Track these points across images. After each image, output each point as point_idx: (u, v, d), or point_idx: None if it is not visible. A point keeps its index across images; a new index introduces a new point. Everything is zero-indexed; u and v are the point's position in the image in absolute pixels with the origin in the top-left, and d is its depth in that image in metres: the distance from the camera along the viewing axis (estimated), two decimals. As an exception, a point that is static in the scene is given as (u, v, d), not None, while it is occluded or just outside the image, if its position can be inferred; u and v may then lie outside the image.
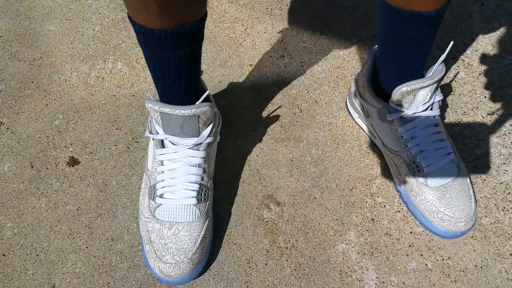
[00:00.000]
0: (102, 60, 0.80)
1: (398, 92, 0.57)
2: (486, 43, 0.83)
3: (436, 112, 0.61)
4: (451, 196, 0.61)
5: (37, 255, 0.62)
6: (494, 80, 0.79)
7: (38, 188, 0.67)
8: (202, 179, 0.60)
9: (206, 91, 0.63)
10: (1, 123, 0.73)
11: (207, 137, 0.59)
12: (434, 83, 0.56)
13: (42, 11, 0.87)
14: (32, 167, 0.69)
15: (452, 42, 0.57)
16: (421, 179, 0.61)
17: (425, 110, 0.61)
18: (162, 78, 0.55)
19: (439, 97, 0.61)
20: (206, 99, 0.62)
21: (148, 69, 0.79)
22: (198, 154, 0.59)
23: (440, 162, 0.61)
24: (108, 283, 0.60)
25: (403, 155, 0.63)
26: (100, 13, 0.87)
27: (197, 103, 0.55)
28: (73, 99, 0.75)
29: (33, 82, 0.77)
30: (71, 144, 0.71)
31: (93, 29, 0.84)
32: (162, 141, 0.59)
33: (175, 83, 0.55)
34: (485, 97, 0.77)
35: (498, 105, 0.76)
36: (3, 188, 0.67)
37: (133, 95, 0.76)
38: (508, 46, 0.83)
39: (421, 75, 0.59)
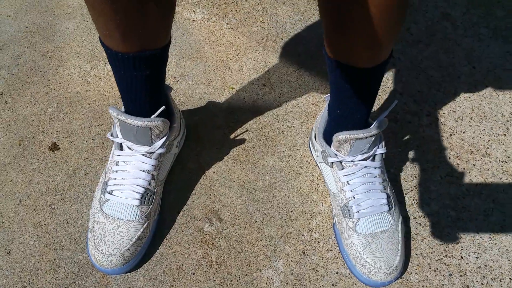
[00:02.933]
0: (104, 62, 0.89)
1: (335, 139, 0.61)
2: (467, 106, 0.85)
3: (377, 164, 0.65)
4: (376, 245, 0.63)
5: (2, 223, 0.70)
6: (464, 143, 0.80)
7: (19, 164, 0.76)
8: (149, 184, 0.66)
9: (171, 107, 0.70)
10: (6, 102, 0.83)
11: (159, 148, 0.65)
12: (370, 136, 0.60)
13: (66, 10, 0.97)
14: (19, 145, 0.78)
15: (396, 101, 0.61)
16: (350, 224, 0.65)
17: (365, 160, 0.64)
18: (124, 92, 0.62)
19: (381, 150, 0.64)
20: (170, 114, 0.69)
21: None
22: (149, 162, 0.65)
23: (370, 212, 0.64)
24: (54, 260, 0.67)
25: (339, 198, 0.66)
26: (115, 19, 0.96)
27: (152, 117, 0.62)
28: (70, 92, 0.84)
29: (41, 71, 0.87)
30: (57, 131, 0.80)
31: (105, 33, 0.94)
32: (121, 144, 0.66)
33: (136, 98, 0.62)
34: (449, 158, 0.78)
35: (460, 169, 0.77)
36: (-9, 159, 0.77)
37: (120, 97, 0.84)
38: (488, 113, 0.84)
39: (363, 126, 0.62)
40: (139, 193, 0.65)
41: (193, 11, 0.98)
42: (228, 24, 0.96)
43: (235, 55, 0.91)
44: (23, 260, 0.67)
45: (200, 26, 0.95)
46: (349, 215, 0.65)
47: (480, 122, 0.82)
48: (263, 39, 0.93)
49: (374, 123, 0.60)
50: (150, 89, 0.61)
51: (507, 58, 0.92)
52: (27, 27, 0.94)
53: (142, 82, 0.59)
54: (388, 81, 0.88)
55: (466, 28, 0.97)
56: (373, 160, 0.65)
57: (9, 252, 0.68)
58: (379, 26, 0.49)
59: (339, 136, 0.60)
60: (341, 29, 0.50)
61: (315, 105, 0.84)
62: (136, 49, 0.55)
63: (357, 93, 0.58)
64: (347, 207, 0.65)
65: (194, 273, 0.67)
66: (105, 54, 0.88)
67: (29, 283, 0.65)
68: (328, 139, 0.66)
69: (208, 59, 0.90)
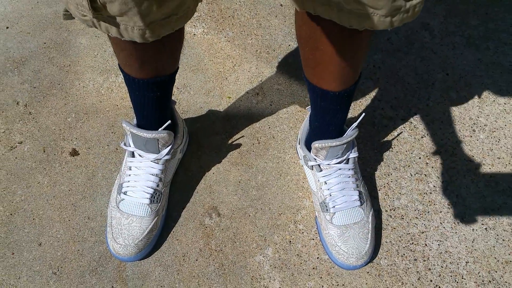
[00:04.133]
0: (115, 75, 1.00)
1: (313, 147, 0.72)
2: (438, 110, 0.95)
3: (350, 166, 0.76)
4: (349, 235, 0.75)
5: (33, 219, 0.83)
6: (433, 145, 0.90)
7: (44, 168, 0.88)
8: (158, 185, 0.78)
9: (175, 119, 0.81)
10: (30, 113, 0.95)
11: (165, 155, 0.77)
12: (342, 144, 0.71)
13: (79, 26, 1.08)
14: (44, 151, 0.90)
15: (363, 114, 0.71)
16: (328, 217, 0.76)
17: (340, 163, 0.75)
18: (138, 109, 0.74)
19: (353, 154, 0.75)
20: (174, 126, 0.80)
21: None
22: (157, 167, 0.77)
23: (344, 207, 0.75)
24: (78, 250, 0.80)
25: (318, 195, 0.77)
26: (123, 34, 1.07)
27: (159, 129, 0.73)
28: (86, 103, 0.96)
29: (59, 84, 0.99)
30: (76, 138, 0.91)
31: (115, 47, 1.05)
32: (133, 152, 0.78)
33: (147, 114, 0.74)
34: (420, 158, 0.89)
35: (429, 167, 0.88)
36: (21, 164, 0.89)
37: (131, 107, 0.95)
38: (457, 116, 0.94)
39: (338, 135, 0.73)
40: (149, 193, 0.77)
41: (194, 25, 1.08)
42: (225, 37, 1.06)
43: (231, 66, 1.01)
44: (52, 251, 0.79)
45: (200, 39, 1.06)
46: (327, 210, 0.76)
47: (449, 125, 0.93)
48: (257, 51, 1.03)
49: (347, 131, 0.71)
50: (159, 106, 0.73)
51: (478, 65, 1.01)
52: (45, 43, 1.06)
53: (153, 100, 0.71)
54: (368, 88, 0.98)
55: (442, 37, 1.07)
56: (347, 163, 0.76)
57: (40, 244, 0.80)
58: (344, 61, 0.59)
59: (316, 144, 0.71)
60: (313, 62, 0.61)
61: (303, 112, 0.94)
62: (150, 75, 0.66)
63: (331, 110, 0.68)
64: (324, 203, 0.76)
65: (197, 260, 0.79)
66: (115, 67, 1.00)
67: (58, 270, 0.78)
68: (308, 146, 0.77)
69: (208, 71, 1.01)
